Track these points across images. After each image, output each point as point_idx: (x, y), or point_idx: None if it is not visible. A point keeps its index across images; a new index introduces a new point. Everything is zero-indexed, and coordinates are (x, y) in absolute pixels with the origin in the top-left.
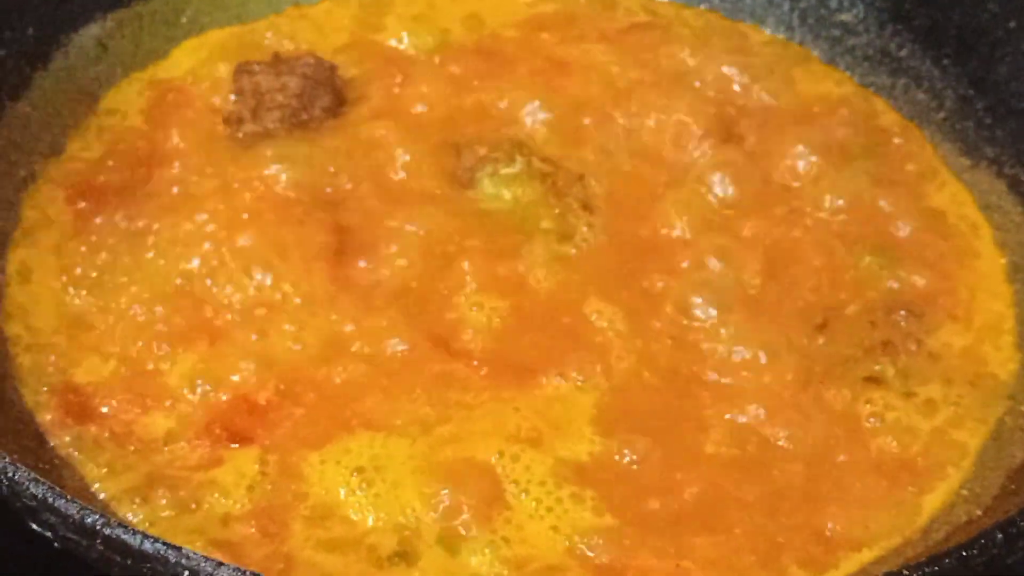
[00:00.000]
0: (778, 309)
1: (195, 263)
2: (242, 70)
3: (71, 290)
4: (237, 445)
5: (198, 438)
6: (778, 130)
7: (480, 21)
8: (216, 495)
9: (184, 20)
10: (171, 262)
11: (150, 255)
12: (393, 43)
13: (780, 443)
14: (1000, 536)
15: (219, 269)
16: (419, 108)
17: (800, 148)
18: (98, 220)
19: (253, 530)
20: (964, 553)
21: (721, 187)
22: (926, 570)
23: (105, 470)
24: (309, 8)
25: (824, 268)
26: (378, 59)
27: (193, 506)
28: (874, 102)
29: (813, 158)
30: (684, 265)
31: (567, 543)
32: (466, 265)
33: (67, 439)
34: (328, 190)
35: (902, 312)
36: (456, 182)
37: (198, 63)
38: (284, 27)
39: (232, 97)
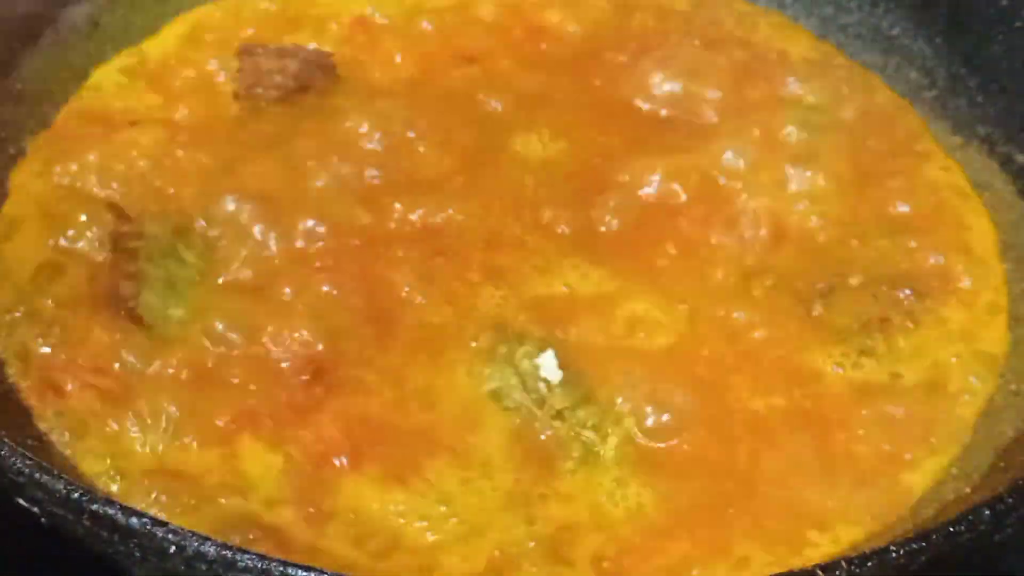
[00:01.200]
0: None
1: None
2: (245, 51)
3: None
4: None
5: None
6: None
7: None
8: None
9: None
10: None
11: None
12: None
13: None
14: (988, 513)
15: None
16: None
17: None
18: None
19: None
20: (952, 530)
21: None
22: (914, 546)
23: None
24: None
25: (827, 240)
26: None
27: None
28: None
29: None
30: None
31: None
32: None
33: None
34: None
35: (906, 290)
36: None
37: (187, 39)
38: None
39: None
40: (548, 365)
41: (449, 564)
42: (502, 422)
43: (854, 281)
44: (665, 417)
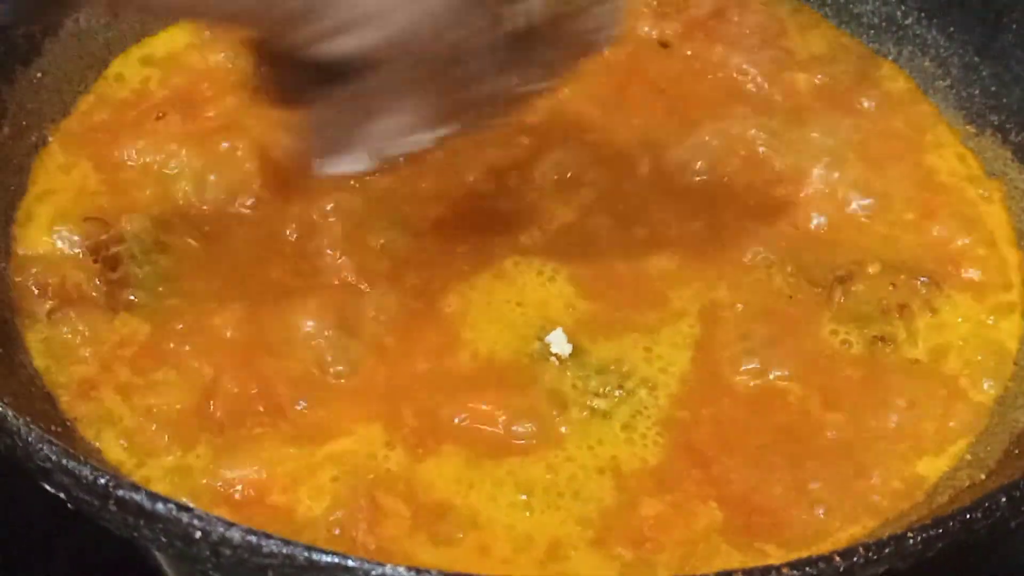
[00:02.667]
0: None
1: None
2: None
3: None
4: None
5: None
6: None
7: None
8: None
9: None
10: None
11: None
12: None
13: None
14: (1004, 499)
15: None
16: None
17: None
18: None
19: None
20: (968, 516)
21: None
22: (931, 532)
23: None
24: None
25: (844, 228)
26: None
27: None
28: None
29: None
30: None
31: None
32: None
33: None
34: None
35: (923, 279)
36: None
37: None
38: None
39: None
40: (558, 341)
41: None
42: None
43: (872, 269)
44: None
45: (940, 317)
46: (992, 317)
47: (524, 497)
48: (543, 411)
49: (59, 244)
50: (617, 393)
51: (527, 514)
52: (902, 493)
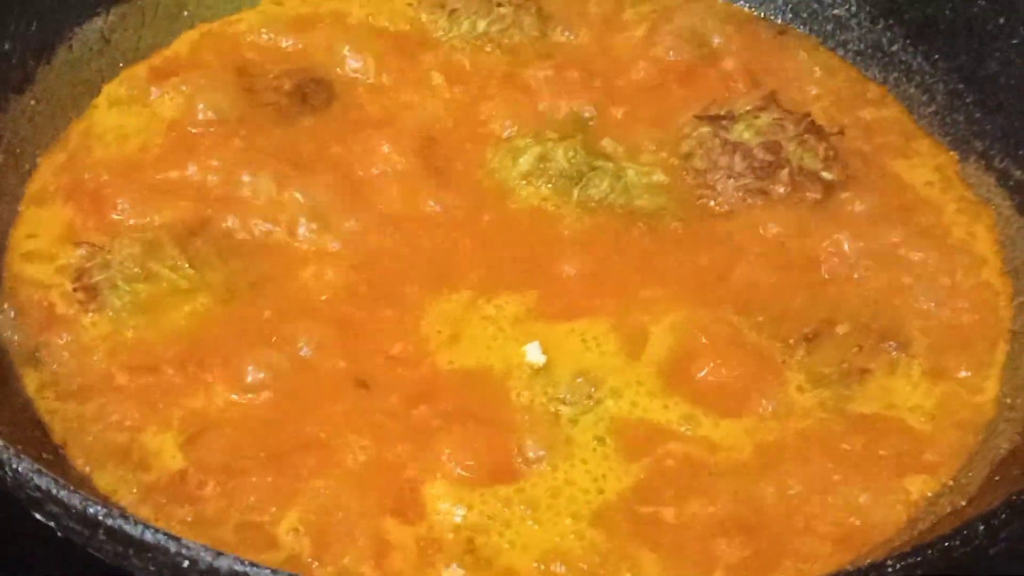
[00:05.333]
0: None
1: None
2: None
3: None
4: None
5: None
6: None
7: None
8: None
9: (186, 13)
10: None
11: None
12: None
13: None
14: (982, 528)
15: None
16: None
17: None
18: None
19: None
20: (947, 544)
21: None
22: (909, 561)
23: None
24: None
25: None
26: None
27: None
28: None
29: None
30: None
31: None
32: None
33: None
34: None
35: (891, 343)
36: None
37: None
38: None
39: None
40: (533, 352)
41: None
42: None
43: (841, 329)
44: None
45: (898, 380)
46: (970, 359)
47: None
48: None
49: (47, 272)
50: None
51: None
52: (884, 521)
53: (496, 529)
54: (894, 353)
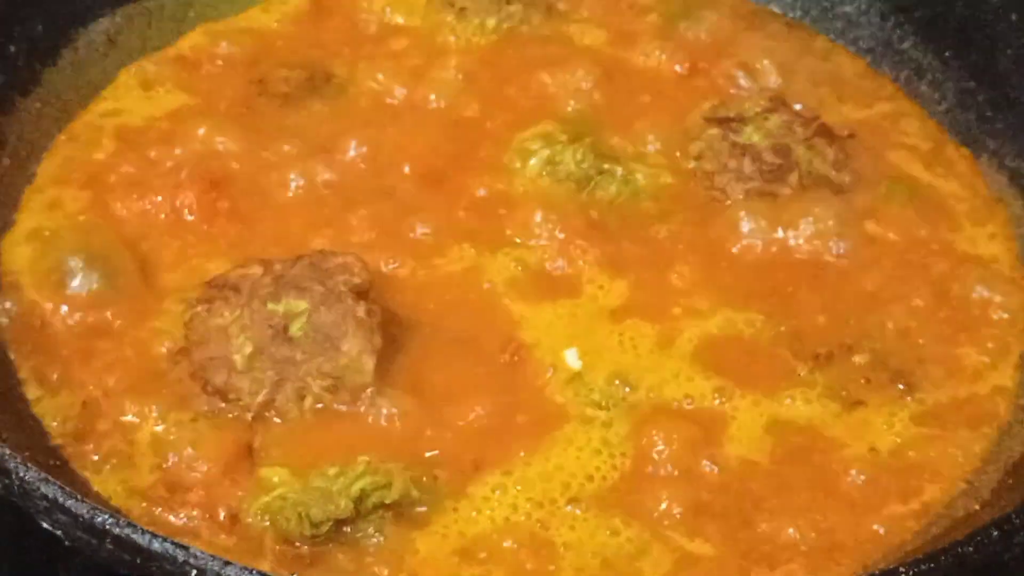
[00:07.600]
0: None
1: None
2: None
3: None
4: None
5: None
6: None
7: None
8: None
9: (192, 14)
10: None
11: None
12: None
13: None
14: (996, 533)
15: None
16: None
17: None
18: None
19: None
20: (960, 550)
21: None
22: (923, 567)
23: None
24: None
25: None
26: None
27: None
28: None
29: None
30: None
31: None
32: None
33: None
34: None
35: (900, 386)
36: None
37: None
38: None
39: None
40: (571, 357)
41: None
42: None
43: (858, 359)
44: None
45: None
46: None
47: None
48: None
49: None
50: None
51: None
52: (899, 527)
53: None
54: (899, 388)
